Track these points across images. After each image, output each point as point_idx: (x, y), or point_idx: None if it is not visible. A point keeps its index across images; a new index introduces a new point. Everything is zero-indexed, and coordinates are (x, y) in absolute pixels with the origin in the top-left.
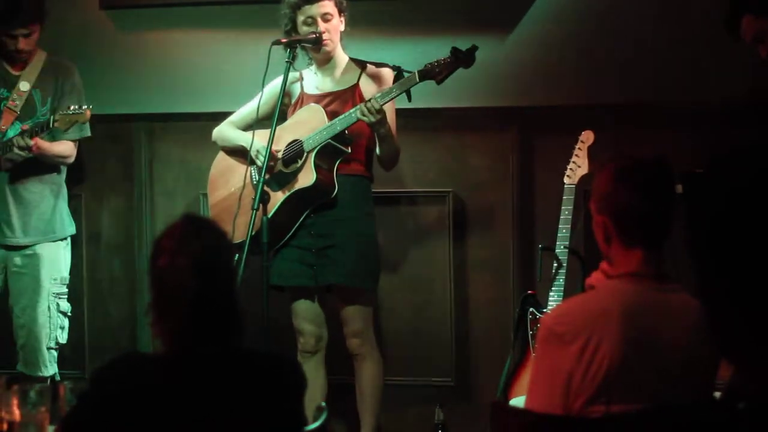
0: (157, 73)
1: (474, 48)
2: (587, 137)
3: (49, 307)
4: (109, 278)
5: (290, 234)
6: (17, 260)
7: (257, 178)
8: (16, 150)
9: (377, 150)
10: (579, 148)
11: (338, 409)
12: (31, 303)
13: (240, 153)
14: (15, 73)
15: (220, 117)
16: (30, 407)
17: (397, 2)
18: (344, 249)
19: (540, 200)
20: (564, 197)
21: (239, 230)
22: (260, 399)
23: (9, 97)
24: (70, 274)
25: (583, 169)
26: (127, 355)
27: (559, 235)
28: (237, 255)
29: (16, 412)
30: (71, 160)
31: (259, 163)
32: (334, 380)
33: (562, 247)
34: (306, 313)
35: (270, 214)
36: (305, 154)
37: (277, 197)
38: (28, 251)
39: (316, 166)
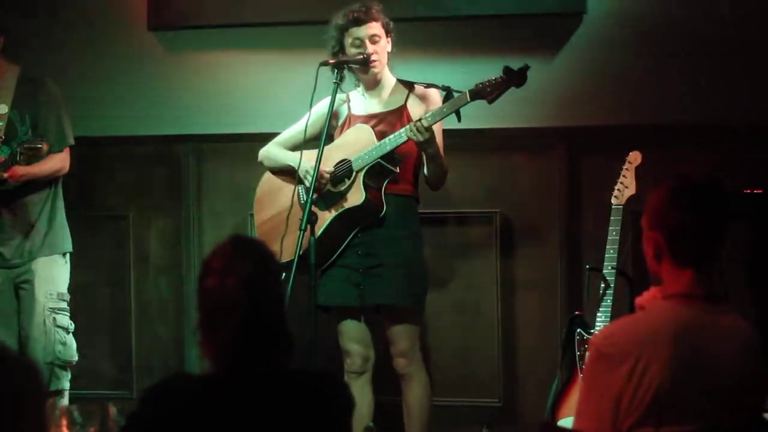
0: (204, 94)
1: (526, 67)
2: (635, 158)
3: (44, 322)
4: (157, 299)
5: (337, 253)
6: (18, 278)
7: (305, 198)
8: None
9: (425, 170)
10: (626, 169)
11: (386, 429)
12: (28, 318)
13: (287, 173)
14: None
15: (267, 138)
16: (79, 427)
17: (442, 24)
18: (392, 268)
19: (587, 221)
20: (611, 218)
21: (287, 250)
22: (309, 419)
23: None
24: (118, 293)
25: (631, 190)
26: (176, 375)
27: (606, 255)
28: (284, 275)
29: None
30: (65, 170)
31: (307, 183)
32: (381, 400)
33: (609, 267)
34: (353, 333)
35: (318, 234)
36: (354, 174)
37: (325, 217)
38: (25, 267)
39: (365, 186)
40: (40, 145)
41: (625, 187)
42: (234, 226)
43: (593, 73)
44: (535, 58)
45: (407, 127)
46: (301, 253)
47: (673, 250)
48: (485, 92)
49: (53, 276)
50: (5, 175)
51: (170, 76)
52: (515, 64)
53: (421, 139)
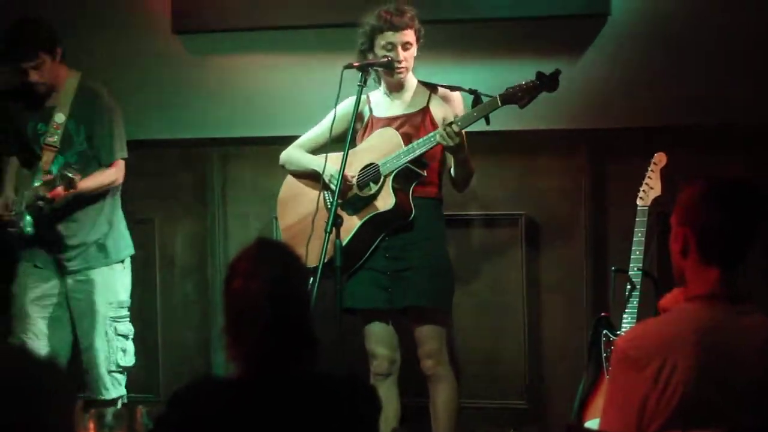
0: (229, 97)
1: (558, 72)
2: (660, 159)
3: (106, 332)
4: (183, 302)
5: (365, 257)
6: (72, 285)
7: (331, 202)
8: (39, 203)
9: (452, 172)
10: (652, 170)
11: (413, 431)
12: (89, 328)
13: (310, 176)
14: (50, 104)
15: (292, 141)
16: (107, 430)
17: (466, 26)
18: (420, 271)
19: (613, 222)
20: (637, 219)
21: (313, 254)
22: (335, 423)
23: (47, 132)
24: (144, 296)
25: (656, 191)
26: (204, 378)
27: (632, 257)
28: (311, 279)
29: None
30: (120, 181)
31: (332, 187)
32: (407, 403)
33: (635, 269)
34: (379, 336)
35: (347, 239)
36: (382, 178)
37: (353, 221)
38: (81, 276)
39: (394, 190)
40: (71, 176)
41: (650, 188)
42: (259, 229)
43: (618, 74)
44: (559, 59)
45: (437, 131)
46: (326, 260)
47: (700, 246)
48: (516, 97)
49: (112, 285)
50: (48, 195)
51: (195, 80)
52: (539, 66)
53: (451, 143)
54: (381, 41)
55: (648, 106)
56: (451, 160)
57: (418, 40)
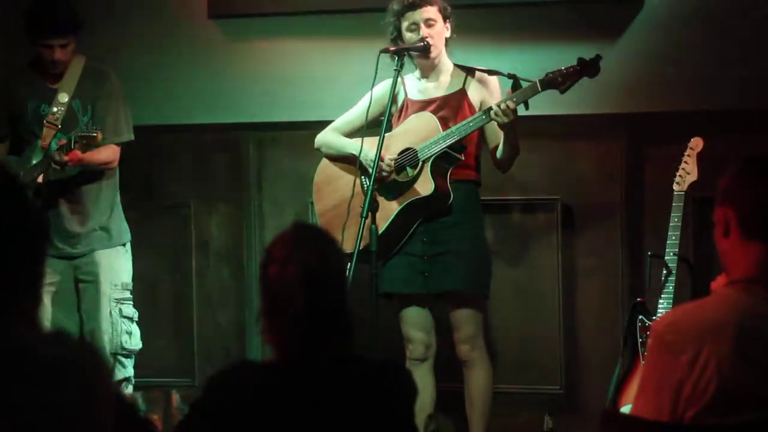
0: (264, 82)
1: (598, 57)
2: (696, 144)
3: (111, 313)
4: (218, 286)
5: (403, 242)
6: (79, 268)
7: (368, 186)
8: (53, 166)
9: (499, 151)
10: (688, 155)
11: (448, 416)
12: (93, 309)
13: (346, 160)
14: (54, 86)
15: (327, 125)
16: (143, 414)
17: (502, 11)
18: (459, 255)
19: (649, 207)
20: (673, 204)
21: (349, 239)
22: (372, 407)
23: (49, 112)
24: (180, 280)
25: (693, 176)
26: (239, 363)
27: (668, 242)
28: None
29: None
30: (114, 164)
31: (370, 171)
32: (442, 388)
33: (671, 254)
34: (415, 321)
35: (386, 225)
36: (420, 163)
37: (392, 207)
38: (86, 259)
39: (433, 174)
40: (94, 134)
41: (687, 173)
42: (294, 214)
43: (654, 58)
44: (595, 44)
45: (483, 111)
46: (362, 245)
47: (741, 222)
48: (557, 82)
49: (116, 267)
50: (66, 158)
51: (230, 64)
52: (576, 51)
53: (506, 120)
54: (405, 23)
55: (685, 90)
56: (499, 139)
57: (445, 19)
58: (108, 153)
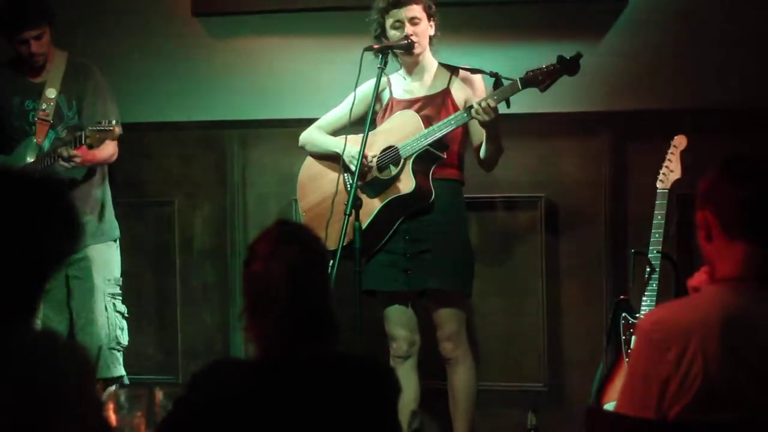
0: (248, 80)
1: (579, 55)
2: (680, 142)
3: (106, 308)
4: (202, 284)
5: (385, 239)
6: (69, 264)
7: (351, 184)
8: (61, 163)
9: (482, 150)
10: (672, 153)
11: (431, 413)
12: (87, 305)
13: (330, 158)
14: (37, 81)
15: (311, 123)
16: (126, 412)
17: (487, 9)
18: (441, 253)
19: (632, 205)
20: (656, 202)
21: (332, 236)
22: (355, 404)
23: (37, 108)
24: (163, 278)
25: (676, 174)
26: (223, 360)
27: (651, 239)
28: (331, 261)
29: (113, 417)
30: (114, 158)
31: (353, 168)
32: (426, 385)
33: (654, 251)
34: (399, 318)
35: (367, 222)
36: (402, 161)
37: (374, 204)
38: (79, 254)
39: (414, 172)
40: (110, 128)
41: (670, 171)
42: (279, 211)
43: (638, 57)
44: (580, 42)
45: (473, 107)
46: (345, 243)
47: (722, 224)
48: (537, 80)
49: (109, 262)
50: (77, 153)
51: (214, 62)
52: (560, 49)
53: (487, 118)
54: (389, 21)
55: (668, 89)
56: (481, 138)
57: (429, 17)
58: (110, 149)
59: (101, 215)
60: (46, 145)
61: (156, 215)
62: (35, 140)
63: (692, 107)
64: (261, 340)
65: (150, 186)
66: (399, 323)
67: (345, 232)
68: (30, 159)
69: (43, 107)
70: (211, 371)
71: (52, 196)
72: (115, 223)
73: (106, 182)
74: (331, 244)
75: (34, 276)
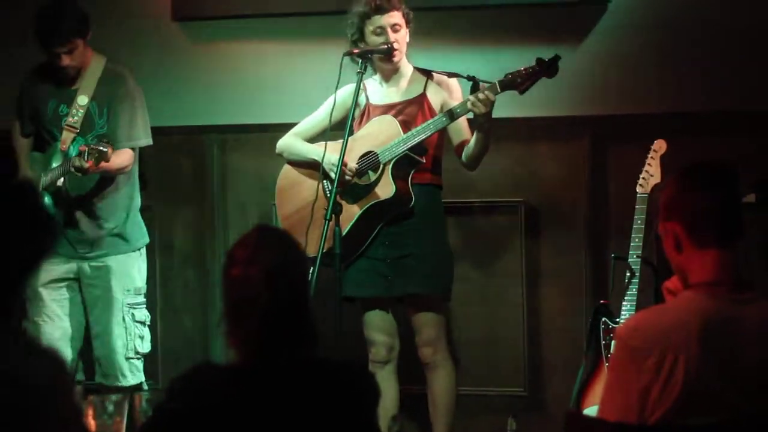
0: (229, 85)
1: (557, 58)
2: (660, 146)
3: (123, 318)
4: (182, 289)
5: (365, 246)
6: (88, 271)
7: (330, 190)
8: (72, 170)
9: (467, 149)
10: (652, 157)
11: (411, 419)
12: (104, 314)
13: (309, 165)
14: (73, 87)
15: (291, 128)
16: (105, 417)
17: (466, 12)
18: (420, 258)
19: (613, 209)
20: (637, 206)
21: (312, 242)
22: (334, 409)
23: (68, 113)
24: (147, 281)
25: (656, 178)
26: (202, 365)
27: (632, 244)
28: (310, 267)
29: (92, 423)
30: (129, 169)
31: (332, 176)
32: (406, 391)
33: (634, 256)
34: (378, 324)
35: (347, 228)
36: (381, 167)
37: (353, 210)
38: (97, 262)
39: (394, 178)
40: (105, 149)
41: (650, 176)
42: (259, 216)
43: (618, 61)
44: (559, 46)
45: (468, 101)
46: (325, 249)
47: (692, 234)
48: (516, 83)
49: (130, 272)
50: (87, 164)
51: (194, 67)
52: (539, 53)
53: (484, 110)
54: (370, 27)
55: (648, 93)
56: (463, 137)
57: (407, 23)
58: (123, 158)
59: (125, 225)
60: (72, 152)
61: None
62: (61, 147)
63: (672, 111)
64: (240, 345)
65: None
66: (378, 328)
67: (325, 238)
68: (55, 164)
69: (73, 113)
70: (190, 376)
71: (18, 195)
72: (142, 232)
73: (134, 190)
74: (311, 250)
75: (6, 277)
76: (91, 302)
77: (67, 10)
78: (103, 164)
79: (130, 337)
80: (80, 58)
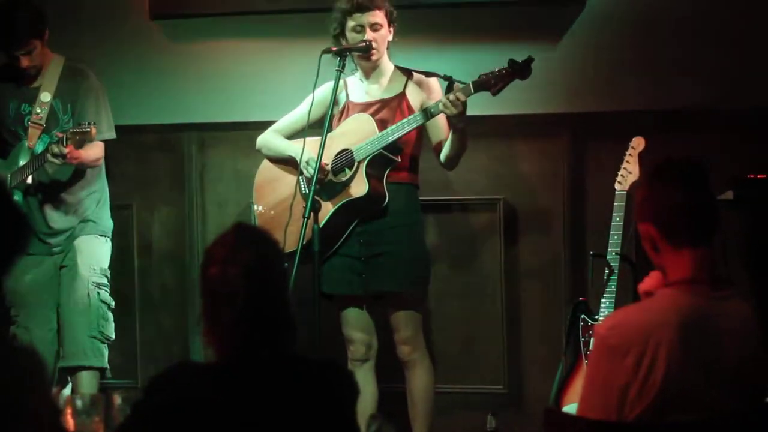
0: (206, 83)
1: (530, 59)
2: (638, 143)
3: (88, 295)
4: (161, 288)
5: (339, 243)
6: (60, 259)
7: (307, 188)
8: (50, 158)
9: (445, 149)
10: (630, 155)
11: (390, 417)
12: (69, 289)
13: (287, 162)
14: (34, 85)
15: (269, 125)
16: (84, 416)
17: (445, 11)
18: (395, 256)
19: (591, 207)
20: (615, 204)
21: (290, 239)
22: (313, 407)
23: (32, 111)
24: (122, 282)
25: (634, 176)
26: (180, 364)
27: (610, 241)
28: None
29: (70, 422)
30: (100, 162)
31: (308, 173)
32: (384, 388)
33: (613, 253)
34: (355, 322)
35: (321, 224)
36: (356, 164)
37: (328, 207)
38: (67, 247)
39: (368, 176)
40: (87, 129)
41: (628, 173)
42: (237, 215)
43: (596, 59)
44: (537, 45)
45: (441, 101)
46: (305, 242)
47: (666, 233)
48: (489, 84)
49: (97, 252)
50: (65, 150)
51: (172, 65)
52: (518, 52)
53: (455, 111)
54: (351, 23)
55: (626, 90)
56: (441, 136)
57: (390, 22)
58: (96, 151)
59: (94, 213)
60: (39, 148)
61: (114, 218)
62: (27, 144)
63: (650, 108)
64: (219, 343)
65: (108, 189)
66: (356, 326)
67: (304, 234)
68: (22, 162)
69: (37, 111)
70: (168, 375)
71: None
72: (109, 222)
73: (104, 183)
74: (289, 246)
75: None
76: (63, 284)
77: (21, 11)
78: (82, 154)
79: (95, 316)
80: (39, 57)
